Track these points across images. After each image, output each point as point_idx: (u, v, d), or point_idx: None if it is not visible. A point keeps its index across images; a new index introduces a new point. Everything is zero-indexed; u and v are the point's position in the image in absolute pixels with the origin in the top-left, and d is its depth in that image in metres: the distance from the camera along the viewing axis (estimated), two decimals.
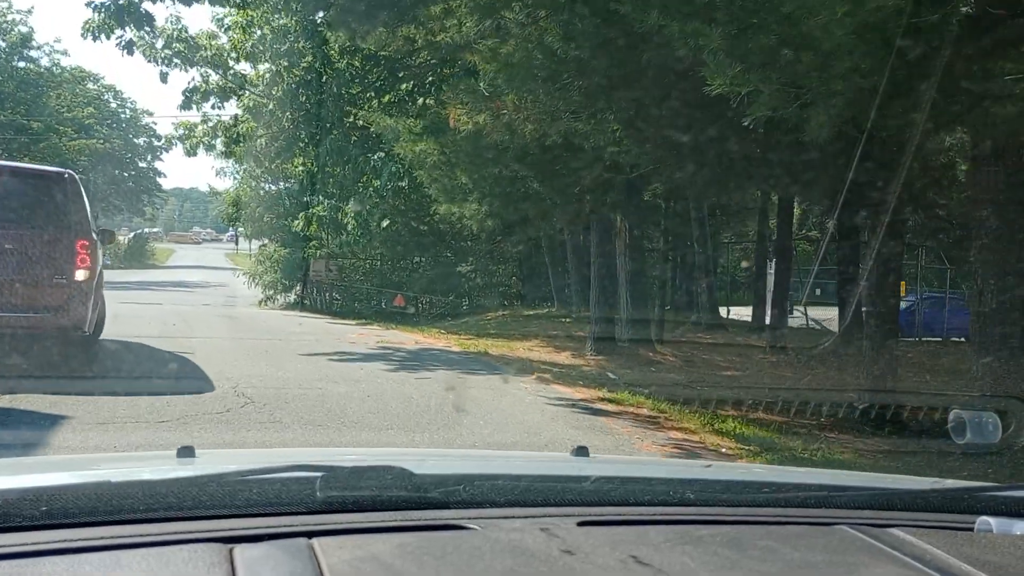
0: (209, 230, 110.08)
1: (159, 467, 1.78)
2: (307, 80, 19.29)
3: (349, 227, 18.73)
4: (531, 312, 23.34)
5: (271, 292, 28.12)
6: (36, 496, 1.23)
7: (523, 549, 1.19)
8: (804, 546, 1.29)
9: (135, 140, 63.49)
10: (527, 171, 13.31)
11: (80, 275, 8.05)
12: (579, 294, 23.08)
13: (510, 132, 9.29)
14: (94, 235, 8.70)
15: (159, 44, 21.23)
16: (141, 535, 1.19)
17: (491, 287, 27.51)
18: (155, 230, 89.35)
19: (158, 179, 67.17)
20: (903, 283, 16.07)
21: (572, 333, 17.47)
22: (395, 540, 1.21)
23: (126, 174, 63.28)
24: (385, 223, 18.58)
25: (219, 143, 21.48)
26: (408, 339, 14.50)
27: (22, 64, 47.44)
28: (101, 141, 56.11)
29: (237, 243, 78.76)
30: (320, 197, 22.05)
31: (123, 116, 63.20)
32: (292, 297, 28.69)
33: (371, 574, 1.10)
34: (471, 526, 1.28)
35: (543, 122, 8.73)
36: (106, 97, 61.46)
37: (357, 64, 20.36)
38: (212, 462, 1.83)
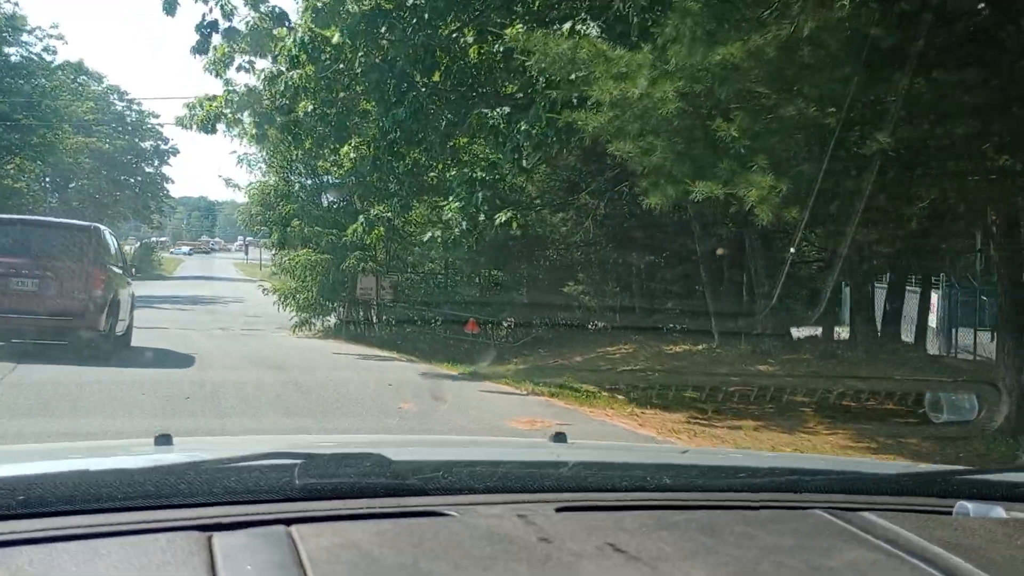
0: (218, 239, 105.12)
1: (137, 455, 1.73)
2: (385, 9, 12.69)
3: (451, 221, 12.16)
4: (676, 348, 16.71)
5: (306, 315, 22.07)
6: (12, 485, 1.20)
7: (501, 535, 1.18)
8: (778, 530, 1.26)
9: (141, 144, 58.48)
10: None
11: (96, 292, 11.21)
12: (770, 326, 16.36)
13: None
14: (112, 267, 12.03)
15: None
16: (119, 524, 1.17)
17: (599, 312, 20.71)
18: (163, 239, 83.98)
19: (166, 184, 62.11)
20: None
21: (824, 399, 10.91)
22: (374, 527, 1.19)
23: (132, 179, 58.50)
24: (503, 218, 12.06)
25: (246, 116, 14.87)
26: (616, 428, 7.92)
27: (13, 50, 41.46)
28: (104, 141, 51.00)
29: (247, 252, 73.03)
30: (392, 186, 15.63)
31: (129, 118, 58.03)
32: (332, 320, 22.49)
33: (350, 561, 1.08)
34: (449, 512, 1.26)
35: None
36: (112, 98, 56.38)
37: None
38: (190, 450, 1.80)
